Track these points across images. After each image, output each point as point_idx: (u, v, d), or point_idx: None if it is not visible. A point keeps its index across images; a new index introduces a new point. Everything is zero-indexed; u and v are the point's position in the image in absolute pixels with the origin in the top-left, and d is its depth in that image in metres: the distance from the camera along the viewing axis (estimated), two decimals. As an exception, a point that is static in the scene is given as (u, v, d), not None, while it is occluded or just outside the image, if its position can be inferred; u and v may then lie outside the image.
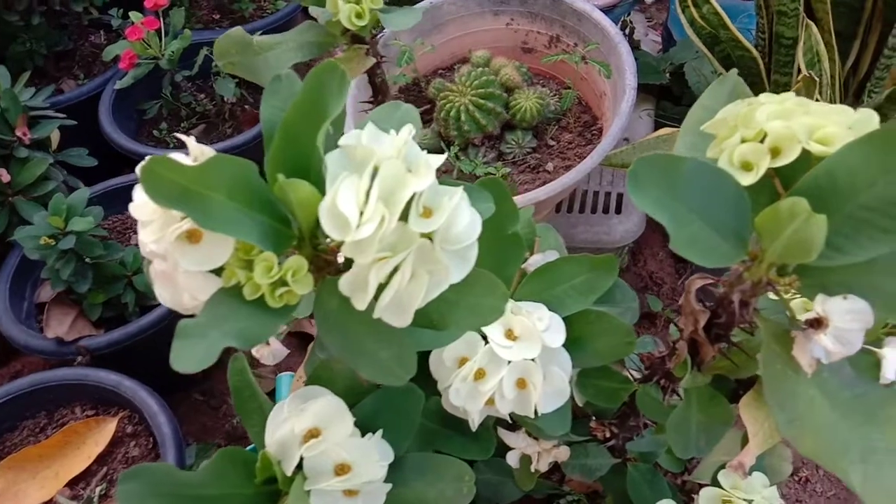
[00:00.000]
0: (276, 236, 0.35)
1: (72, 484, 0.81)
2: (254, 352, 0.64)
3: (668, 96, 1.21)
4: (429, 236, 0.34)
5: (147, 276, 0.39)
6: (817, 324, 0.34)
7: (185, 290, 0.36)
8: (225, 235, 0.33)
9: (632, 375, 0.53)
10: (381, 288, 0.34)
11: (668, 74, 1.19)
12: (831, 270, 0.34)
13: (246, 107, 1.26)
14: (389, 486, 0.44)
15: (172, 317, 0.91)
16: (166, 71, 1.19)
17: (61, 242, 0.85)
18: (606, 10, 0.99)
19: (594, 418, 0.58)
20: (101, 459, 0.82)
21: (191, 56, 1.20)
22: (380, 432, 0.45)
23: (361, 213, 0.32)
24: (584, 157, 0.87)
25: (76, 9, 1.30)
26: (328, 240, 0.36)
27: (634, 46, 1.21)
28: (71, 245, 0.85)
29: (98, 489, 0.79)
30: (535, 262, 0.52)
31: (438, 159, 0.35)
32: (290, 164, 0.34)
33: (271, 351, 0.66)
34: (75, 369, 0.86)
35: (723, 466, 0.57)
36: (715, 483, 0.56)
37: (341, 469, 0.42)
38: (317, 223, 0.35)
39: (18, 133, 1.00)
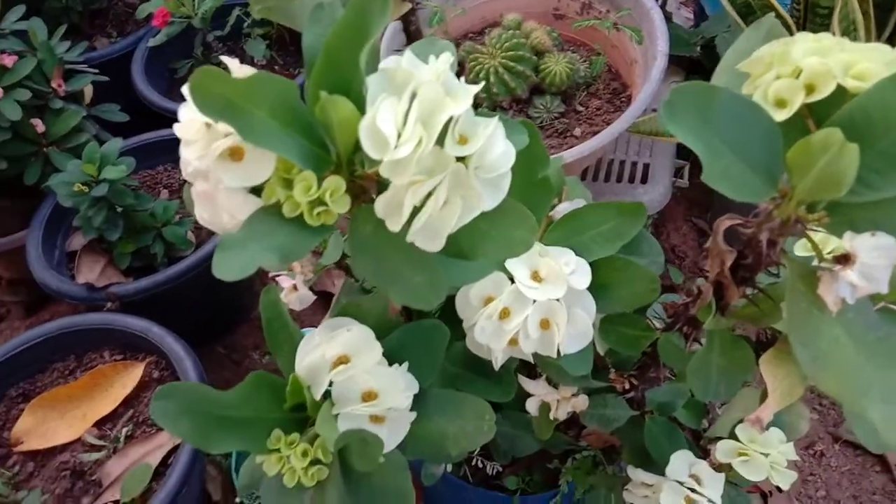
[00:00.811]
0: (316, 159, 0.36)
1: (99, 424, 0.83)
2: (282, 296, 0.65)
3: (699, 70, 1.20)
4: (464, 163, 0.35)
5: (186, 199, 0.40)
6: (844, 260, 0.35)
7: (224, 209, 0.37)
8: (267, 152, 0.34)
9: (654, 326, 0.53)
10: (416, 212, 0.35)
11: (698, 48, 1.18)
12: (860, 207, 0.35)
13: (276, 68, 1.27)
14: (414, 414, 0.45)
15: (200, 268, 0.92)
16: (198, 30, 1.20)
17: (94, 190, 0.87)
18: (640, -22, 0.98)
19: (614, 370, 0.58)
20: (128, 402, 0.84)
21: (223, 16, 1.21)
22: (406, 364, 0.46)
23: (400, 135, 0.33)
24: (612, 124, 0.87)
25: (111, -34, 1.32)
26: (365, 167, 0.37)
27: (667, 18, 1.20)
28: (103, 193, 0.87)
29: (125, 430, 0.82)
30: (562, 209, 0.52)
31: (475, 87, 0.35)
32: (332, 85, 0.34)
33: (299, 296, 0.67)
34: (104, 314, 0.89)
35: (740, 422, 0.57)
36: (732, 437, 0.56)
37: (368, 395, 0.43)
38: (355, 147, 0.36)
39: (54, 84, 1.02)
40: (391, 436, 0.44)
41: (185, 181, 0.37)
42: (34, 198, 1.05)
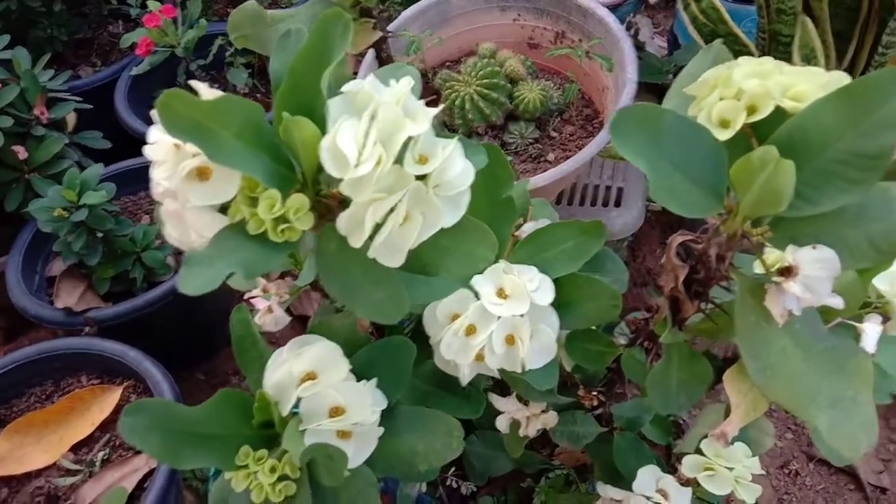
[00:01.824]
0: (281, 178, 0.37)
1: (75, 449, 0.83)
2: (257, 319, 0.66)
3: (671, 97, 1.23)
4: (424, 181, 0.37)
5: (157, 219, 0.41)
6: (788, 273, 0.36)
7: (193, 227, 0.38)
8: (232, 171, 0.35)
9: (618, 342, 0.54)
10: (377, 229, 0.36)
11: (671, 76, 1.21)
12: (801, 222, 0.36)
13: (257, 95, 1.29)
14: (381, 430, 0.46)
15: (180, 293, 0.93)
16: (181, 59, 1.22)
17: (74, 215, 0.88)
18: (611, 8, 1.01)
19: (582, 386, 0.59)
20: (105, 426, 0.84)
21: (206, 46, 1.23)
22: (374, 380, 0.47)
23: (360, 154, 0.34)
24: (584, 149, 0.89)
25: (96, -3, 1.34)
26: (329, 186, 0.39)
27: (639, 47, 1.23)
28: (83, 218, 0.88)
29: (101, 454, 0.82)
30: (528, 229, 0.54)
31: (434, 110, 0.37)
32: (296, 107, 0.36)
33: (274, 318, 0.68)
34: (82, 339, 0.89)
35: (707, 437, 0.59)
36: (699, 452, 0.57)
37: (335, 411, 0.44)
38: (319, 167, 0.37)
39: (36, 112, 1.03)
40: (358, 451, 0.45)
41: (157, 202, 0.38)
42: (15, 224, 1.05)
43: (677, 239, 0.41)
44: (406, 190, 0.36)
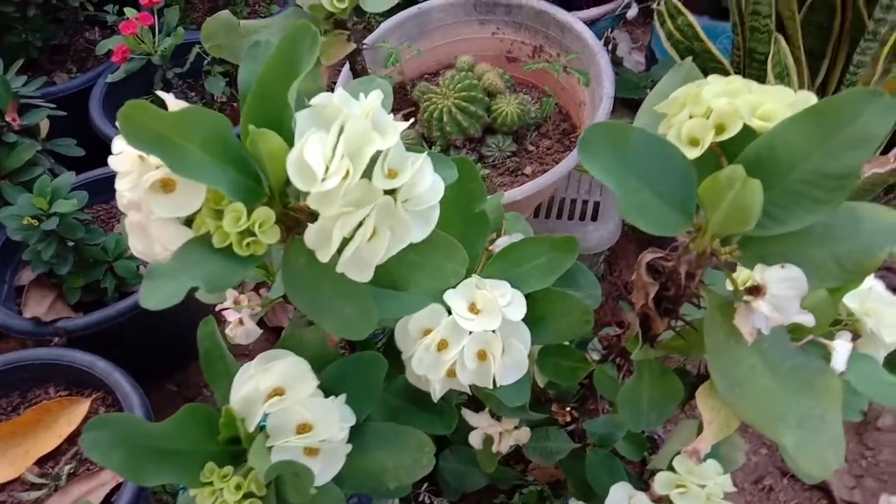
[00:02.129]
0: (247, 191, 0.36)
1: (41, 462, 0.81)
2: (228, 331, 0.65)
3: (649, 112, 1.24)
4: (393, 196, 0.36)
5: (123, 229, 0.40)
6: (756, 291, 0.36)
7: (157, 240, 0.37)
8: (196, 184, 0.35)
9: (593, 359, 0.54)
10: (346, 243, 0.36)
11: (648, 91, 1.22)
12: (769, 241, 0.36)
13: (234, 104, 1.28)
14: (349, 447, 0.45)
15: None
16: (158, 67, 1.21)
17: (44, 223, 0.87)
18: (589, 23, 1.02)
19: (555, 402, 0.59)
20: (72, 439, 0.83)
21: (183, 54, 1.22)
22: (343, 396, 0.46)
23: (327, 167, 0.34)
24: (560, 163, 0.89)
25: (73, 3, 1.32)
26: (297, 199, 0.38)
27: (616, 63, 1.24)
28: (53, 226, 0.86)
29: (67, 467, 0.80)
30: (501, 243, 0.54)
31: (404, 124, 0.37)
32: (263, 120, 0.35)
33: (245, 330, 0.67)
34: (50, 349, 0.87)
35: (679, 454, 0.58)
36: (671, 469, 0.57)
37: (303, 428, 0.44)
38: (286, 180, 0.36)
39: (8, 118, 1.01)
40: (326, 468, 0.45)
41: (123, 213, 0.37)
42: (-16, 232, 1.04)
43: (647, 256, 0.41)
44: (374, 204, 0.35)
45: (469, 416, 0.58)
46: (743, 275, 0.42)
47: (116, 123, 0.33)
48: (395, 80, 1.02)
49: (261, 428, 0.44)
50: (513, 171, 0.95)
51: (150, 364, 1.05)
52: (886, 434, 1.03)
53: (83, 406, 0.84)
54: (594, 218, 1.04)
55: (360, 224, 0.35)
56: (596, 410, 0.57)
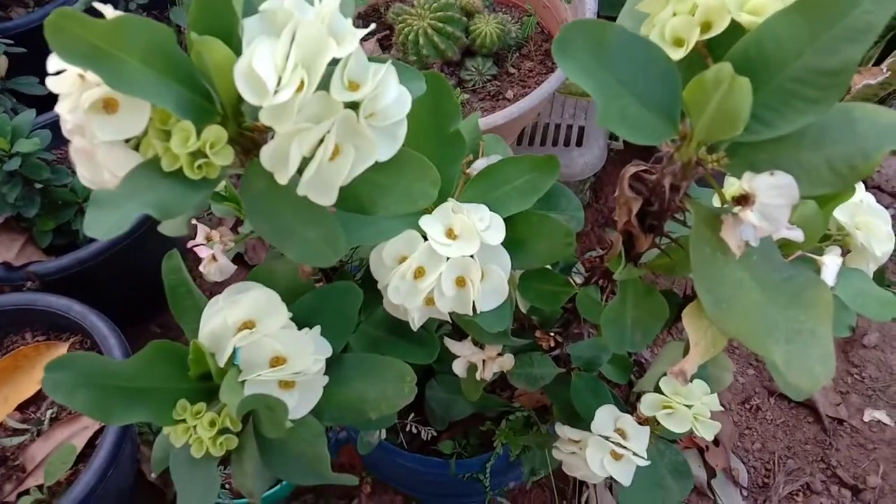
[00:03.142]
0: (196, 109, 0.34)
1: (21, 408, 0.80)
2: (201, 267, 0.63)
3: (634, 32, 1.19)
4: (355, 111, 0.34)
5: (70, 159, 0.38)
6: (744, 201, 0.34)
7: (105, 166, 0.35)
8: (140, 102, 0.32)
9: (573, 281, 0.53)
10: (306, 163, 0.33)
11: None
12: (759, 147, 0.34)
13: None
14: (326, 378, 0.44)
15: (126, 243, 0.89)
16: (119, -2, 1.15)
17: (6, 164, 0.83)
18: (570, -64, 0.97)
19: (538, 328, 0.58)
20: (53, 384, 0.81)
21: (145, -17, 1.16)
22: (317, 328, 0.44)
23: (279, 79, 0.31)
24: (542, 84, 0.86)
25: (24, -69, 1.25)
26: (254, 118, 0.35)
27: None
28: (16, 167, 0.83)
29: (49, 412, 0.79)
30: (479, 166, 0.51)
31: (363, 31, 0.34)
32: (209, 29, 0.32)
33: (219, 266, 0.65)
34: (24, 294, 0.85)
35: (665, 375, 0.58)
36: (658, 391, 0.56)
37: (276, 361, 0.42)
38: (239, 97, 0.34)
39: (-39, 55, 0.96)
40: (302, 401, 0.43)
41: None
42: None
43: (630, 170, 0.39)
44: (334, 119, 0.33)
45: (451, 344, 0.57)
46: (731, 189, 0.40)
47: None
48: (368, 1, 0.98)
49: (234, 364, 0.43)
50: (494, 96, 0.91)
51: (130, 307, 1.03)
52: (871, 351, 1.04)
53: (61, 350, 0.82)
54: (579, 143, 1.02)
55: (321, 142, 0.33)
56: (580, 335, 0.56)
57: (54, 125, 1.01)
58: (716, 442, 0.93)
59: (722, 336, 0.54)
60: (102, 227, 0.31)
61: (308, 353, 0.42)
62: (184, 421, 0.42)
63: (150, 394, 0.42)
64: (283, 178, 0.33)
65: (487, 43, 0.89)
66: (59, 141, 1.00)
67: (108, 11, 0.34)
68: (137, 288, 1.02)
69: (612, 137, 1.06)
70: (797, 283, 0.37)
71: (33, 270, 0.87)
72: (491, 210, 0.47)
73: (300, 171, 0.33)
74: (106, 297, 0.90)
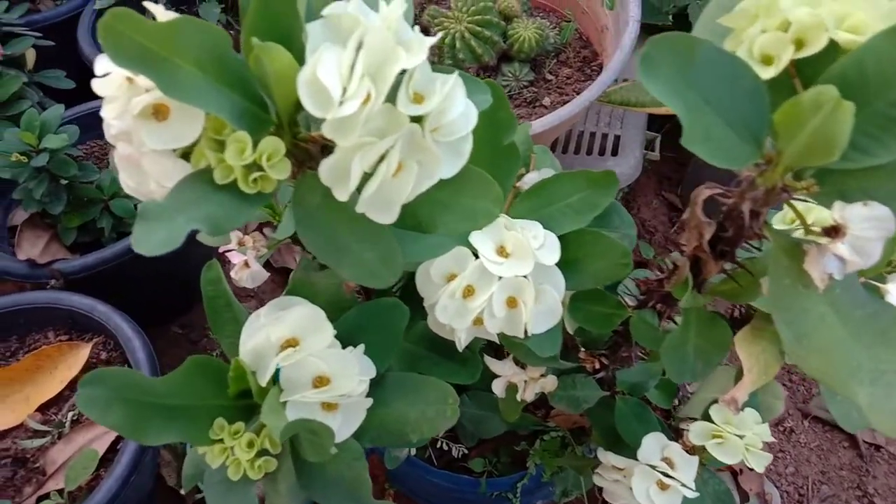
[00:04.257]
0: (252, 118, 0.32)
1: (42, 409, 0.78)
2: (232, 274, 0.61)
3: (671, 40, 1.17)
4: (420, 124, 0.32)
5: (112, 165, 0.36)
6: (834, 232, 0.32)
7: (151, 175, 0.33)
8: (193, 109, 0.30)
9: (626, 303, 0.50)
10: (366, 179, 0.31)
11: (670, 17, 1.15)
12: (851, 175, 0.32)
13: (231, 33, 1.21)
14: (370, 401, 0.42)
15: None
16: (149, -8, 1.13)
17: (34, 160, 0.82)
18: (612, -59, 0.94)
19: (583, 349, 0.56)
20: (74, 385, 0.80)
21: (176, -22, 1.15)
22: (361, 346, 0.42)
23: (345, 89, 0.29)
24: (582, 93, 0.84)
25: (54, -77, 1.24)
26: (308, 128, 0.33)
27: (638, -15, 1.16)
28: (44, 163, 0.81)
29: (70, 414, 0.77)
30: (530, 179, 0.49)
31: (431, 39, 0.32)
32: (269, 33, 0.30)
33: (251, 273, 0.63)
34: (48, 292, 0.83)
35: (713, 402, 0.55)
36: (706, 418, 0.54)
37: (319, 381, 0.40)
38: (296, 106, 0.32)
39: (-10, 47, 0.95)
40: (345, 424, 0.41)
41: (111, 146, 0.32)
42: (-28, 169, 0.98)
43: (704, 192, 0.36)
44: (399, 134, 0.30)
45: (492, 363, 0.55)
46: (811, 214, 0.37)
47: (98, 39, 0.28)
48: (404, 3, 0.95)
49: (274, 380, 0.41)
50: (530, 103, 0.89)
51: (153, 307, 1.01)
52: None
53: (84, 351, 0.81)
54: (614, 153, 0.99)
55: (383, 157, 0.31)
56: (628, 358, 0.53)
57: (82, 119, 1.00)
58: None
59: (774, 362, 0.52)
60: (151, 242, 0.29)
61: (353, 373, 0.40)
62: (221, 441, 0.40)
63: (186, 412, 0.40)
64: (342, 195, 0.31)
65: (526, 48, 0.87)
66: (85, 136, 0.98)
67: (160, 11, 0.32)
68: (161, 289, 1.01)
69: (648, 148, 1.04)
70: (882, 320, 0.35)
71: (57, 268, 0.86)
72: (543, 227, 0.45)
73: (359, 186, 0.31)
74: (128, 297, 0.89)
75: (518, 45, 0.87)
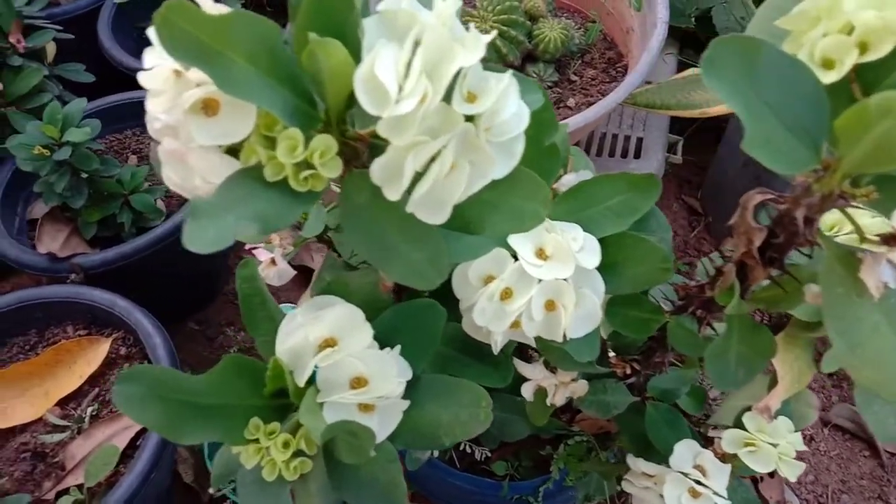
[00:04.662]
0: (302, 115, 0.31)
1: (62, 403, 0.78)
2: (260, 270, 0.61)
3: (693, 42, 1.16)
4: (473, 124, 0.31)
5: (154, 160, 0.35)
6: (892, 240, 0.31)
7: (197, 171, 0.32)
8: (244, 105, 0.30)
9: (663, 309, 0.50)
10: (417, 179, 0.31)
11: (693, 19, 1.14)
12: (914, 182, 0.31)
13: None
14: (407, 403, 0.41)
15: (171, 239, 0.87)
16: (170, -13, 1.13)
17: (56, 153, 0.81)
18: (639, -59, 0.94)
19: (614, 354, 0.55)
20: (93, 380, 0.79)
21: (196, -27, 1.14)
22: (398, 347, 0.42)
23: (401, 87, 0.28)
24: (608, 95, 0.83)
25: (76, -84, 1.23)
26: (356, 126, 0.33)
27: (661, -13, 1.16)
28: (66, 157, 0.81)
29: (90, 409, 0.77)
30: (567, 181, 0.49)
31: (488, 37, 0.31)
32: (322, 28, 0.30)
33: (278, 271, 0.62)
34: (67, 287, 0.83)
35: (745, 410, 0.55)
36: (738, 425, 0.53)
37: (357, 382, 0.40)
38: (346, 103, 0.31)
39: (12, 40, 0.95)
40: (382, 426, 0.41)
41: (153, 140, 0.32)
42: (-7, 162, 0.98)
43: (756, 198, 0.36)
44: (453, 133, 0.30)
45: (522, 366, 0.54)
46: (863, 221, 0.36)
47: (149, 31, 0.28)
48: (428, 2, 0.95)
49: (310, 380, 0.40)
50: (555, 103, 0.88)
51: (170, 302, 1.01)
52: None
53: (104, 346, 0.80)
54: (636, 155, 0.98)
55: (436, 156, 0.30)
56: (661, 363, 0.53)
57: (102, 113, 1.00)
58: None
59: (808, 369, 0.51)
60: (203, 240, 0.28)
61: (392, 375, 0.40)
62: (256, 441, 0.40)
63: (222, 411, 0.40)
64: (394, 194, 0.30)
65: (551, 49, 0.86)
66: (105, 130, 0.98)
67: (207, 3, 0.32)
68: (179, 284, 1.01)
69: (670, 151, 1.03)
70: (937, 329, 0.34)
71: (77, 263, 0.85)
72: (583, 230, 0.44)
73: (410, 187, 0.31)
74: (147, 292, 0.88)
75: (543, 45, 0.87)
